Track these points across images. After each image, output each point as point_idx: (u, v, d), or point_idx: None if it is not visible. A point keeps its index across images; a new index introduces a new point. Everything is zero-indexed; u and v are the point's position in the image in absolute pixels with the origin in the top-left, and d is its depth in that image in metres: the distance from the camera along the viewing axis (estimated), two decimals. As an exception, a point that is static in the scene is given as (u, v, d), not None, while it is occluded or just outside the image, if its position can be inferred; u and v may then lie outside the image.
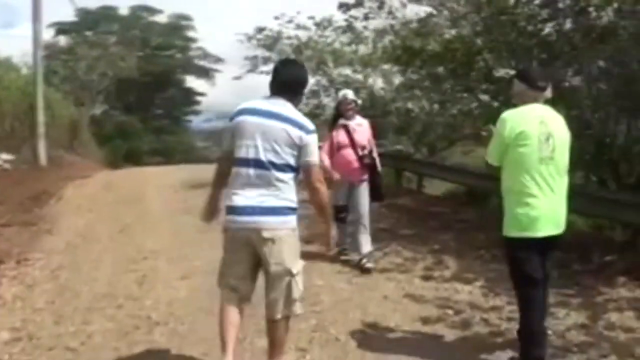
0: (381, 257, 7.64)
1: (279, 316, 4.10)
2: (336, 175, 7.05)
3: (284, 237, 4.01)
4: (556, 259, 5.34)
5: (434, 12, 10.85)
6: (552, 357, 4.64)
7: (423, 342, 5.11)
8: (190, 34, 43.71)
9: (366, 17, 13.62)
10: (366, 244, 7.26)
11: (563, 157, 4.38)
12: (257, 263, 4.11)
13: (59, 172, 16.74)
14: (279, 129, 3.97)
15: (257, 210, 3.96)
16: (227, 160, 4.23)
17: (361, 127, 7.36)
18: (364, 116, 7.74)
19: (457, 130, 15.05)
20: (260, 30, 18.12)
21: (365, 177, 7.29)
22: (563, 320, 5.47)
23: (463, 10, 9.99)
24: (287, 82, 4.17)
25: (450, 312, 5.75)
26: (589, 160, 8.25)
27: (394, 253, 7.89)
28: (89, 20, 38.99)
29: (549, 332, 4.82)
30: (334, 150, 7.23)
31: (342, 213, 7.36)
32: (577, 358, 4.75)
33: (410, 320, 5.56)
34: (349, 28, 15.38)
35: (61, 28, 38.37)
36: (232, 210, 4.05)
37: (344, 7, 13.14)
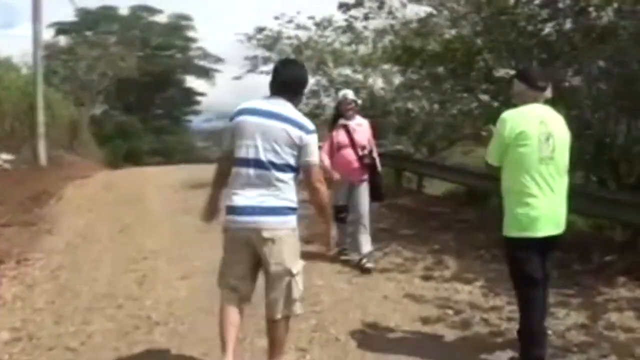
0: (381, 257, 7.64)
1: (279, 316, 4.10)
2: (336, 175, 7.05)
3: (284, 237, 4.01)
4: (556, 259, 5.34)
5: (434, 12, 10.85)
6: (552, 357, 4.64)
7: (423, 342, 5.11)
8: (190, 34, 43.76)
9: (366, 17, 13.61)
10: (366, 244, 7.26)
11: (563, 157, 4.37)
12: (257, 263, 4.10)
13: (59, 172, 16.74)
14: (279, 129, 3.97)
15: (257, 210, 3.96)
16: (227, 160, 4.23)
17: (361, 127, 7.35)
18: (364, 116, 7.74)
19: (457, 130, 15.04)
20: (260, 30, 18.13)
21: (365, 177, 7.29)
22: (563, 320, 5.47)
23: (463, 10, 9.98)
24: (287, 82, 4.17)
25: (450, 312, 5.75)
26: (589, 160, 8.25)
27: (394, 253, 7.89)
28: (89, 20, 38.98)
29: (549, 332, 4.82)
30: (334, 150, 7.22)
31: (342, 213, 7.36)
32: (577, 358, 4.75)
33: (410, 320, 5.56)
34: (349, 28, 15.38)
35: (61, 28, 38.36)
36: (232, 210, 4.05)
37: (344, 7, 13.13)
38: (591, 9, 7.97)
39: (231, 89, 45.34)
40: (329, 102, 17.02)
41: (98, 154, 27.35)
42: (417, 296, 6.22)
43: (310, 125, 4.05)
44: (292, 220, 4.07)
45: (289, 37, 17.86)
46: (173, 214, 10.63)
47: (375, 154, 7.38)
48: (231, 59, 41.01)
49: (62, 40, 37.40)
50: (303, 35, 17.61)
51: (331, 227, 4.52)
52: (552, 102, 4.51)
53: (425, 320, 5.55)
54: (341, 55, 17.18)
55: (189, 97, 45.13)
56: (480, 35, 9.69)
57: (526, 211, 4.29)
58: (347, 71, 17.27)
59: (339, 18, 15.28)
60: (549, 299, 4.91)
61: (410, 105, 15.39)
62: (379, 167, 7.43)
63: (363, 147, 7.24)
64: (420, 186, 13.61)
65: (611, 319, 5.47)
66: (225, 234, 4.17)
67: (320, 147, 5.27)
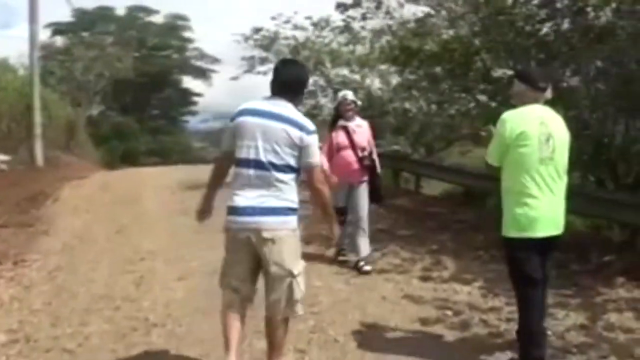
0: (379, 258, 7.63)
1: (279, 317, 4.09)
2: (334, 179, 7.01)
3: (284, 237, 4.00)
4: (554, 259, 5.32)
5: (432, 12, 10.83)
6: (551, 358, 4.63)
7: (422, 343, 5.09)
8: (187, 34, 43.80)
9: (364, 17, 13.58)
10: (364, 248, 7.22)
11: (563, 157, 4.37)
12: (259, 264, 4.09)
13: (55, 172, 16.71)
14: (279, 129, 3.96)
15: (257, 211, 3.96)
16: (224, 160, 4.26)
17: (361, 129, 7.31)
18: (363, 117, 7.71)
19: (455, 130, 15.00)
20: (257, 30, 18.06)
21: (365, 178, 7.24)
22: (562, 321, 5.46)
23: (461, 10, 9.97)
24: (288, 82, 4.15)
25: (449, 313, 5.73)
26: (587, 160, 8.24)
27: (392, 254, 7.88)
28: (85, 20, 38.94)
29: (549, 333, 4.80)
30: (334, 151, 7.19)
31: (342, 215, 7.32)
32: (576, 359, 4.73)
33: (409, 321, 5.54)
34: (346, 28, 15.34)
35: (58, 29, 38.35)
36: (233, 210, 4.04)
37: (341, 7, 13.10)
38: (589, 9, 7.97)
39: (228, 89, 45.35)
40: (326, 102, 17.00)
41: (95, 154, 27.33)
42: (416, 297, 6.21)
43: (311, 125, 4.04)
44: (292, 220, 4.06)
45: (286, 38, 17.81)
46: (170, 214, 10.61)
47: (375, 156, 7.34)
48: (228, 60, 40.98)
49: (59, 40, 37.44)
50: (300, 35, 17.59)
51: (335, 227, 4.52)
52: (551, 103, 4.50)
53: (424, 321, 5.53)
54: (338, 55, 17.14)
55: (186, 98, 45.13)
56: (478, 35, 9.69)
57: (525, 211, 4.28)
58: (345, 71, 17.23)
59: (337, 18, 15.25)
60: (548, 299, 4.89)
61: (407, 105, 15.34)
62: (379, 169, 7.40)
63: (363, 149, 7.19)
64: (418, 186, 13.59)
65: (610, 320, 5.46)
66: (227, 235, 4.16)
67: (320, 148, 5.25)
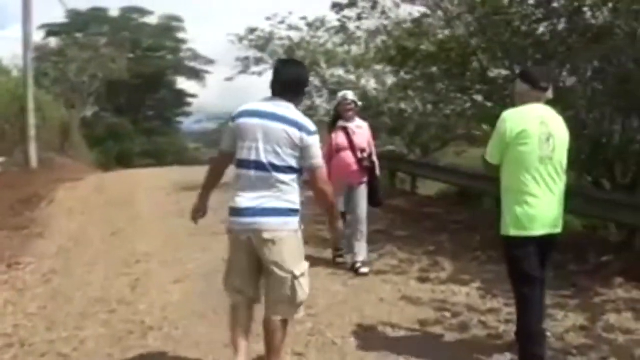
0: (377, 259, 7.60)
1: (277, 318, 4.06)
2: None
3: (285, 238, 3.97)
4: (552, 259, 5.30)
5: (428, 12, 10.81)
6: (551, 359, 4.60)
7: (421, 345, 5.05)
8: (181, 35, 43.81)
9: (359, 18, 13.55)
10: (362, 252, 7.16)
11: (562, 157, 4.37)
12: (261, 265, 4.07)
13: (50, 174, 16.64)
14: (280, 130, 3.94)
15: (257, 212, 3.94)
16: (222, 160, 4.27)
17: (361, 130, 7.24)
18: (363, 118, 7.65)
19: (451, 130, 15.04)
20: (252, 31, 18.06)
21: (364, 179, 7.16)
22: (561, 322, 5.43)
23: (457, 10, 9.96)
24: (288, 82, 4.13)
25: (447, 314, 5.70)
26: (585, 160, 8.22)
27: (389, 255, 7.85)
28: (79, 22, 38.93)
29: (548, 334, 4.78)
30: (333, 153, 7.11)
31: (344, 220, 7.25)
32: (576, 361, 4.72)
33: (408, 323, 5.50)
34: (342, 28, 15.31)
35: (51, 30, 38.30)
36: (234, 212, 4.03)
37: (337, 7, 13.07)
38: (586, 8, 7.95)
39: (222, 90, 45.30)
40: (321, 103, 17.01)
41: (89, 156, 27.31)
42: (414, 298, 6.17)
43: (311, 126, 4.02)
44: (293, 221, 4.03)
45: (281, 38, 17.81)
46: (165, 216, 10.57)
47: (374, 157, 7.26)
48: (223, 60, 40.97)
49: (53, 42, 37.34)
50: (295, 36, 17.58)
51: (340, 226, 4.54)
52: (549, 103, 4.49)
53: (423, 323, 5.49)
54: (334, 55, 17.15)
55: (180, 99, 45.17)
56: (475, 35, 9.66)
57: (525, 210, 4.28)
58: (340, 72, 17.25)
59: (332, 18, 15.23)
60: (546, 300, 4.87)
61: (403, 105, 15.36)
62: (378, 171, 7.32)
63: (362, 150, 7.11)
64: (414, 187, 13.57)
65: (610, 321, 5.43)
66: (229, 236, 4.15)
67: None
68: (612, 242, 8.26)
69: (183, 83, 44.52)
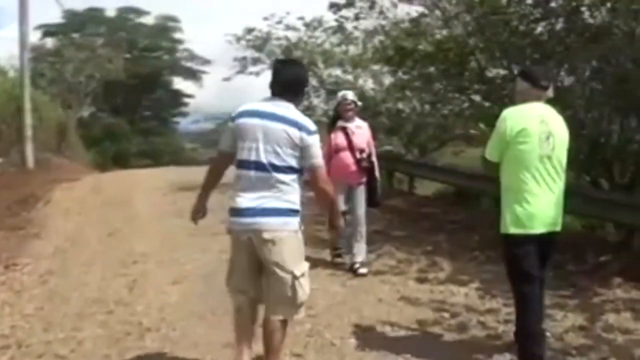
0: (375, 260, 7.58)
1: (277, 318, 4.04)
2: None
3: (285, 238, 3.97)
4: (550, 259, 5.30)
5: (426, 12, 10.79)
6: (551, 359, 4.59)
7: (419, 345, 5.03)
8: (178, 35, 43.79)
9: (357, 18, 13.52)
10: (360, 253, 7.14)
11: (562, 156, 4.38)
12: (262, 264, 4.06)
13: (46, 175, 16.59)
14: (280, 130, 3.93)
15: (257, 212, 3.93)
16: (221, 160, 4.27)
17: (360, 130, 7.20)
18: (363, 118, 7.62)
19: (448, 130, 15.02)
20: (250, 31, 18.03)
21: (363, 180, 7.12)
22: (561, 322, 5.42)
23: (455, 10, 9.94)
24: (288, 82, 4.12)
25: (446, 315, 5.69)
26: (583, 160, 8.21)
27: (387, 255, 7.84)
28: (76, 22, 38.88)
29: (547, 334, 4.77)
30: (332, 153, 7.06)
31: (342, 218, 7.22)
32: (576, 361, 4.71)
33: (406, 323, 5.49)
34: (339, 28, 15.29)
35: (48, 30, 38.25)
36: (235, 212, 4.03)
37: (334, 7, 13.05)
38: (584, 8, 7.94)
39: (219, 90, 45.46)
40: (319, 103, 16.99)
41: (86, 156, 27.27)
42: (412, 299, 6.16)
43: (311, 125, 4.01)
44: (293, 221, 4.03)
45: (279, 38, 17.79)
46: (162, 216, 10.55)
47: (374, 158, 7.22)
48: (220, 60, 41.07)
49: (49, 42, 37.32)
50: (293, 36, 17.56)
51: (341, 225, 4.57)
52: (548, 103, 4.48)
53: (421, 324, 5.48)
54: (331, 56, 17.12)
55: (177, 99, 45.16)
56: (473, 35, 9.65)
57: (524, 208, 4.28)
58: (338, 72, 17.23)
59: (329, 18, 15.22)
60: (545, 300, 4.86)
61: (401, 105, 15.34)
62: (377, 172, 7.27)
63: (362, 150, 7.07)
64: (412, 187, 13.56)
65: (609, 321, 5.42)
66: (230, 236, 4.15)
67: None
68: (610, 242, 8.26)
69: (180, 83, 44.66)
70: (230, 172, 4.18)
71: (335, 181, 5.92)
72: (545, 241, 4.38)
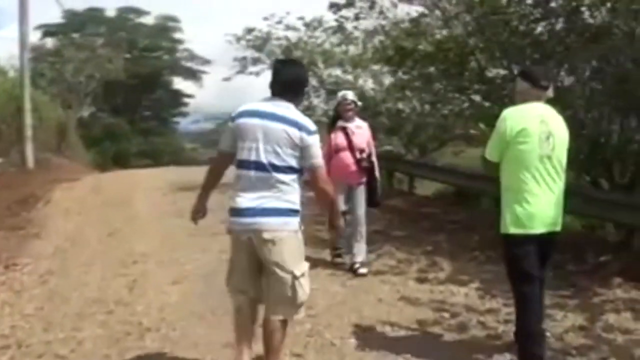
0: (375, 259, 7.58)
1: (277, 318, 4.04)
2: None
3: (285, 238, 3.97)
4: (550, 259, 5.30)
5: (426, 12, 10.79)
6: (551, 359, 4.59)
7: (419, 345, 5.03)
8: (178, 35, 43.78)
9: (357, 18, 13.52)
10: (360, 253, 7.13)
11: (562, 156, 4.38)
12: (262, 264, 4.06)
13: (46, 175, 16.59)
14: (280, 130, 3.93)
15: (257, 212, 3.94)
16: (221, 160, 4.26)
17: (360, 130, 7.20)
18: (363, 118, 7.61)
19: (448, 130, 15.01)
20: (250, 31, 18.03)
21: (363, 180, 7.12)
22: (561, 322, 5.42)
23: (455, 10, 9.94)
24: (288, 82, 4.12)
25: (446, 315, 5.68)
26: (583, 160, 8.21)
27: (387, 255, 7.83)
28: (76, 22, 38.88)
29: (547, 334, 4.77)
30: (332, 153, 7.05)
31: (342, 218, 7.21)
32: (576, 361, 4.70)
33: (406, 323, 5.48)
34: (339, 28, 15.29)
35: (48, 30, 38.25)
36: (235, 212, 4.03)
37: (334, 7, 13.04)
38: (584, 8, 7.94)
39: (219, 90, 45.38)
40: (318, 103, 16.99)
41: (86, 156, 27.27)
42: (412, 299, 6.16)
43: (311, 125, 4.01)
44: (293, 221, 4.03)
45: (279, 38, 17.78)
46: (162, 216, 10.55)
47: (374, 158, 7.22)
48: (220, 60, 41.02)
49: (49, 42, 37.31)
50: (293, 36, 17.56)
51: (342, 225, 4.58)
52: (548, 103, 4.48)
53: (421, 324, 5.48)
54: (331, 56, 17.12)
55: (177, 99, 45.16)
56: (473, 35, 9.65)
57: (524, 208, 4.28)
58: (338, 72, 17.23)
59: (329, 18, 15.21)
60: (545, 300, 4.85)
61: (401, 105, 15.33)
62: (377, 172, 7.27)
63: (361, 150, 7.07)
64: (412, 187, 13.56)
65: (609, 321, 5.42)
66: (231, 236, 4.15)
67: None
68: (610, 242, 8.25)
69: (180, 83, 44.66)
70: (230, 172, 4.17)
71: (335, 181, 5.91)
72: (545, 241, 4.38)
